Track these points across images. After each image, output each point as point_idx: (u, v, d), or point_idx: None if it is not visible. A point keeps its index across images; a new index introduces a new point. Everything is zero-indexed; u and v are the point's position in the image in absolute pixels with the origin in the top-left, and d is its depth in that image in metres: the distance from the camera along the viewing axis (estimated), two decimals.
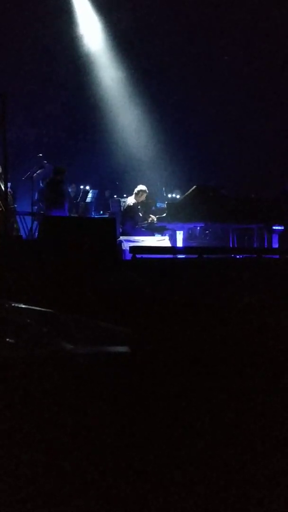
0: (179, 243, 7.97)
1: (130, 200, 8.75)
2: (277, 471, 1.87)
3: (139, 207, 8.72)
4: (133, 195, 8.74)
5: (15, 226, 8.68)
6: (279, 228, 8.36)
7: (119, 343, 2.53)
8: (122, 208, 9.61)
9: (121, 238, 7.81)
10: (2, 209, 7.31)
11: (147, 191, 8.85)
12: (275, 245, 8.31)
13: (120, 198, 10.77)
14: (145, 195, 8.78)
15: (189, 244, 8.94)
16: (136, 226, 8.48)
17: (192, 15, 12.13)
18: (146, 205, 9.30)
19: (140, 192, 8.68)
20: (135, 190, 8.73)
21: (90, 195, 11.49)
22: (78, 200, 11.29)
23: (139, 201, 8.69)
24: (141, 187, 8.75)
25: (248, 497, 1.74)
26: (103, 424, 2.01)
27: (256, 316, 3.74)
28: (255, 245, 8.98)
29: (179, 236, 8.01)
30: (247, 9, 11.86)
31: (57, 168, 8.67)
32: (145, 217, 8.64)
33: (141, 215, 8.70)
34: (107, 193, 12.59)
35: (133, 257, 6.02)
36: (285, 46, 11.85)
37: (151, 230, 8.45)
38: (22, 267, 4.40)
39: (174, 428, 2.06)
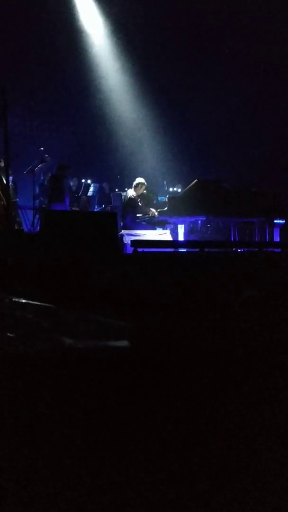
0: (180, 237, 7.97)
1: (130, 193, 8.75)
2: (278, 469, 1.88)
3: (138, 200, 8.71)
4: (132, 188, 8.75)
5: (17, 219, 8.71)
6: (281, 222, 8.36)
7: (119, 338, 2.54)
8: (123, 201, 9.60)
9: (123, 232, 7.81)
10: (4, 203, 7.32)
11: (146, 183, 8.84)
12: (277, 238, 8.30)
13: (121, 192, 10.75)
14: (144, 187, 8.77)
15: (190, 238, 8.93)
16: (137, 220, 8.47)
17: (194, 8, 12.06)
18: (146, 198, 9.29)
19: (139, 185, 8.68)
20: (134, 183, 8.75)
21: (91, 188, 11.45)
22: (79, 194, 11.25)
23: (138, 193, 8.69)
24: (139, 179, 8.74)
25: (247, 495, 1.74)
26: (103, 419, 2.01)
27: (257, 310, 3.74)
28: (256, 239, 8.96)
29: (180, 230, 8.00)
30: (249, 3, 11.81)
31: (61, 164, 8.68)
32: (146, 210, 8.63)
33: (140, 205, 8.68)
34: (104, 185, 12.49)
35: (134, 251, 6.01)
36: (285, 40, 11.78)
37: (152, 224, 8.45)
38: (23, 261, 4.40)
39: (174, 422, 2.07)
